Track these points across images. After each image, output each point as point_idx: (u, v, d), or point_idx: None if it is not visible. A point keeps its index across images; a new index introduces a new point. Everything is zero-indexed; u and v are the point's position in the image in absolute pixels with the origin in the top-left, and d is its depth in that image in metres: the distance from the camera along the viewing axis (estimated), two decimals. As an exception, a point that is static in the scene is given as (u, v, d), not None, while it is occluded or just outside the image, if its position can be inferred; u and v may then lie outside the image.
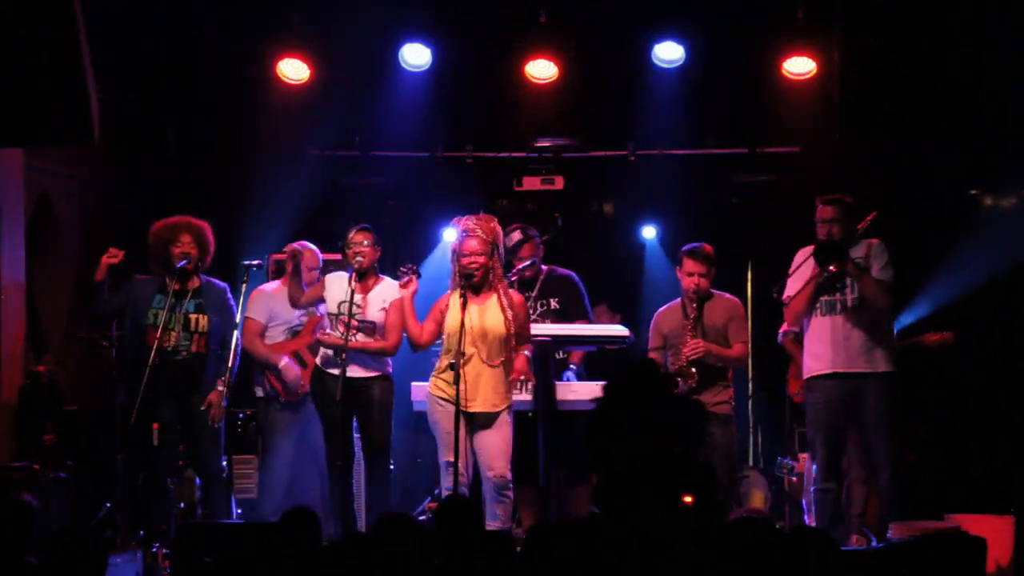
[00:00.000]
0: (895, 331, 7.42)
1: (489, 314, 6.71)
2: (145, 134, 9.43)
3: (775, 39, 8.82)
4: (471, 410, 6.68)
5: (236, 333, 7.08)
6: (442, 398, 6.70)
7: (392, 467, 7.33)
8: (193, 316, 7.11)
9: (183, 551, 5.96)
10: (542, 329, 7.30)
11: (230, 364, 6.93)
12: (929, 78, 8.59)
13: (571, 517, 6.96)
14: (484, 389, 6.66)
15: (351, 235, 7.15)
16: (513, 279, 7.73)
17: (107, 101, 6.52)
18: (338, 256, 7.65)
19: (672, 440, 3.18)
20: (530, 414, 7.09)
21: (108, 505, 7.44)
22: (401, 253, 9.04)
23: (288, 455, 7.59)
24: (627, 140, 9.62)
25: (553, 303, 7.71)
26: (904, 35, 8.59)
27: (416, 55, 8.97)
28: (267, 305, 7.68)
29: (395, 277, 7.10)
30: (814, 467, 7.17)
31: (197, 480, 7.56)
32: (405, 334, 6.98)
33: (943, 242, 8.60)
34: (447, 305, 6.83)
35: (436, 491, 8.13)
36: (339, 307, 6.99)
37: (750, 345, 7.94)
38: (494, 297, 6.76)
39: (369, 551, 4.00)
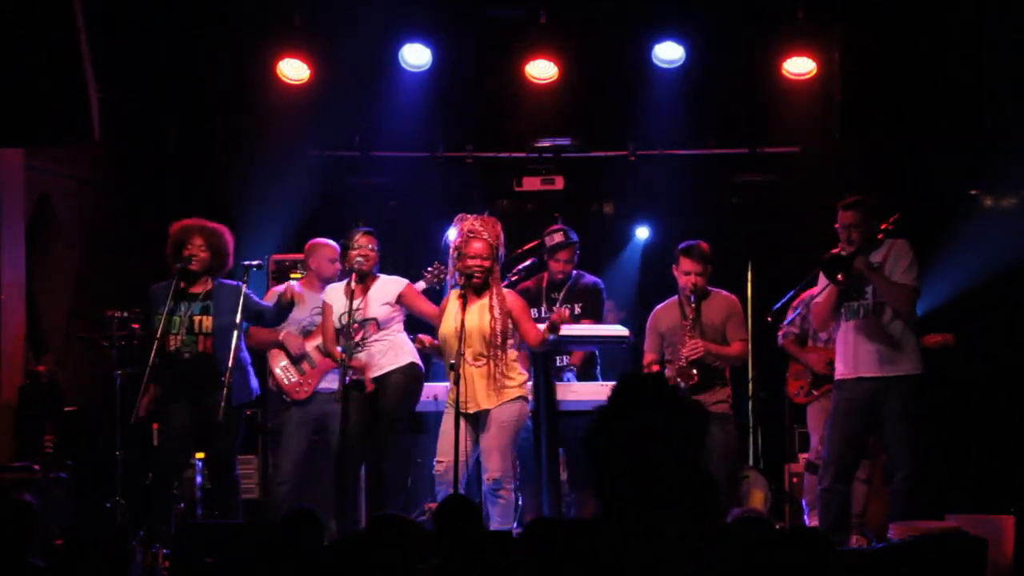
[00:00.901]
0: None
1: (473, 314, 6.68)
2: (145, 134, 9.43)
3: (775, 39, 8.82)
4: (470, 411, 6.69)
5: (236, 332, 7.04)
6: (449, 402, 6.73)
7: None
8: (197, 318, 7.08)
9: (183, 551, 5.97)
10: (541, 328, 7.30)
11: (230, 364, 6.91)
12: (929, 78, 8.59)
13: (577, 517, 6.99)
14: (478, 389, 6.67)
15: (356, 237, 7.16)
16: (513, 279, 7.75)
17: (107, 101, 6.51)
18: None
19: (675, 446, 3.18)
20: (529, 414, 7.09)
21: (108, 505, 7.43)
22: (401, 253, 9.06)
23: (296, 455, 7.56)
24: (627, 140, 9.62)
25: (577, 308, 7.77)
26: (904, 35, 8.59)
27: (416, 55, 8.97)
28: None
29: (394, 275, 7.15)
30: (811, 462, 7.17)
31: (198, 480, 7.56)
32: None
33: (943, 242, 8.60)
34: (446, 307, 6.83)
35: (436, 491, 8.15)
36: (340, 319, 7.01)
37: (750, 344, 7.95)
38: (487, 299, 6.75)
39: (369, 551, 4.00)
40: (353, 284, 7.12)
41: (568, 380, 7.68)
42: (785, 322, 7.77)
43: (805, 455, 8.13)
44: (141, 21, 8.60)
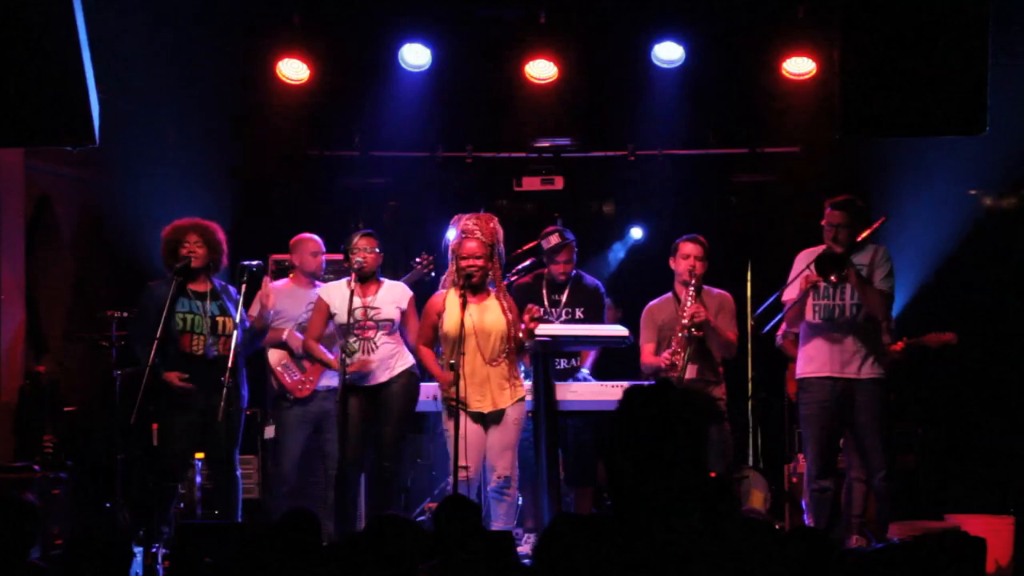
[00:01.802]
0: (895, 333, 7.43)
1: (489, 314, 6.72)
2: (145, 134, 9.43)
3: (775, 39, 8.82)
4: (483, 411, 6.69)
5: (236, 333, 7.04)
6: (453, 403, 6.71)
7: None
8: (220, 319, 7.08)
9: (183, 551, 5.97)
10: (542, 329, 7.30)
11: (230, 364, 6.91)
12: (929, 78, 8.58)
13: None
14: (492, 389, 6.69)
15: (355, 239, 7.15)
16: (513, 279, 7.75)
17: (107, 101, 6.50)
18: (339, 256, 7.67)
19: (685, 453, 3.19)
20: (529, 414, 7.09)
21: (108, 505, 7.44)
22: (401, 253, 9.06)
23: (296, 454, 7.57)
24: (627, 140, 9.62)
25: (578, 312, 7.77)
26: (904, 35, 8.58)
27: (416, 55, 8.97)
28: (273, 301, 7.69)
29: (394, 278, 7.13)
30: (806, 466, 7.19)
31: (198, 480, 7.56)
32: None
33: (943, 242, 8.60)
34: (443, 306, 6.82)
35: (436, 491, 8.15)
36: (349, 316, 6.98)
37: (749, 343, 7.96)
38: (492, 298, 6.77)
39: (368, 551, 4.00)
40: (353, 284, 7.10)
41: (584, 380, 7.71)
42: (770, 324, 7.75)
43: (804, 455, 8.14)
44: (140, 21, 8.59)
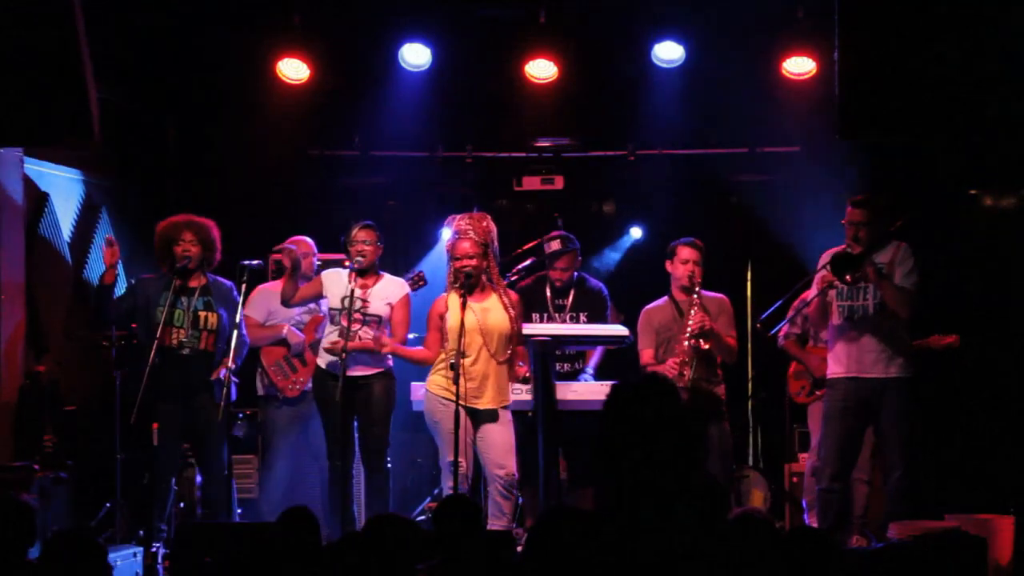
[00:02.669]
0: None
1: (492, 313, 6.73)
2: (145, 134, 9.43)
3: (775, 39, 8.82)
4: (478, 407, 6.69)
5: (236, 332, 7.07)
6: (444, 397, 6.70)
7: (389, 464, 7.32)
8: (202, 313, 7.11)
9: (183, 551, 5.97)
10: (542, 329, 7.31)
11: (230, 363, 6.91)
12: (929, 78, 8.57)
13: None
14: (492, 386, 6.70)
15: (354, 232, 7.16)
16: (512, 278, 7.76)
17: (107, 101, 6.50)
18: (339, 255, 7.67)
19: (671, 452, 3.19)
20: (529, 414, 7.09)
21: (108, 505, 7.44)
22: (401, 253, 9.06)
23: (288, 454, 7.59)
24: (627, 140, 9.62)
25: (582, 318, 7.78)
26: (904, 35, 8.57)
27: (416, 55, 8.97)
28: (265, 303, 7.71)
29: (395, 275, 7.14)
30: (816, 466, 7.17)
31: (198, 480, 7.56)
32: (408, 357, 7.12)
33: (943, 242, 8.60)
34: (446, 307, 6.83)
35: (436, 491, 8.14)
36: (342, 302, 6.99)
37: (749, 343, 7.95)
38: (494, 296, 6.78)
39: (368, 551, 4.00)
40: (353, 280, 7.10)
41: (585, 380, 7.72)
42: (778, 326, 7.74)
43: (805, 455, 8.13)
44: (141, 20, 8.59)
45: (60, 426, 7.63)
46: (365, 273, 7.14)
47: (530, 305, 7.58)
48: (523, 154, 9.77)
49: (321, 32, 8.89)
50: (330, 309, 7.13)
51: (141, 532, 7.13)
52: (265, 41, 8.93)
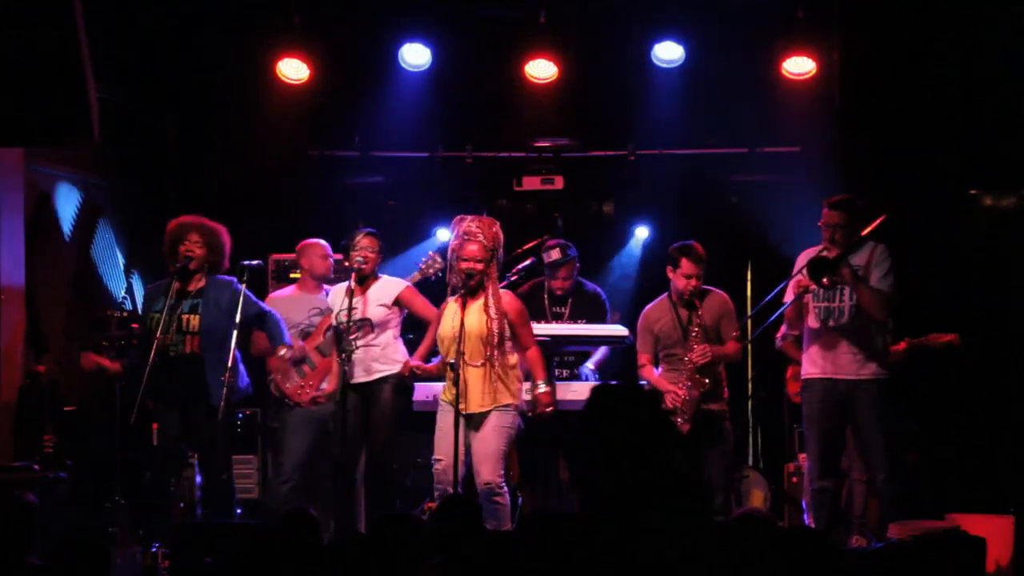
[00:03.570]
0: (895, 334, 7.40)
1: (471, 316, 6.65)
2: (145, 134, 9.43)
3: (775, 39, 8.82)
4: (467, 412, 6.66)
5: (235, 332, 7.00)
6: (444, 400, 6.70)
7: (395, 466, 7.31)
8: (186, 317, 7.02)
9: (183, 551, 5.96)
10: (541, 330, 7.30)
11: (229, 364, 6.89)
12: (929, 78, 8.59)
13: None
14: (472, 390, 6.61)
15: (358, 238, 7.16)
16: (512, 279, 7.75)
17: (107, 101, 6.50)
18: (338, 256, 7.67)
19: (650, 452, 3.20)
20: (529, 414, 7.08)
21: (108, 505, 7.43)
22: (400, 253, 9.06)
23: (298, 452, 7.54)
24: (627, 140, 9.62)
25: (580, 324, 7.76)
26: (904, 35, 8.59)
27: (416, 55, 8.97)
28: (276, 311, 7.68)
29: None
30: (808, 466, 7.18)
31: (197, 480, 7.55)
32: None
33: (943, 242, 8.60)
34: (443, 312, 6.80)
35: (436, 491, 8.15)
36: (337, 318, 7.03)
37: (749, 343, 7.95)
38: (481, 300, 6.72)
39: (369, 551, 4.00)
40: (352, 284, 7.13)
41: (586, 376, 7.71)
42: (757, 331, 7.72)
43: (805, 455, 8.14)
44: (141, 21, 8.60)
45: (60, 426, 7.63)
46: (365, 279, 7.15)
47: (528, 312, 7.57)
48: (523, 154, 9.77)
49: (321, 32, 8.90)
50: (334, 327, 7.14)
51: (141, 532, 7.13)
52: (265, 41, 8.94)
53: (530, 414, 6.89)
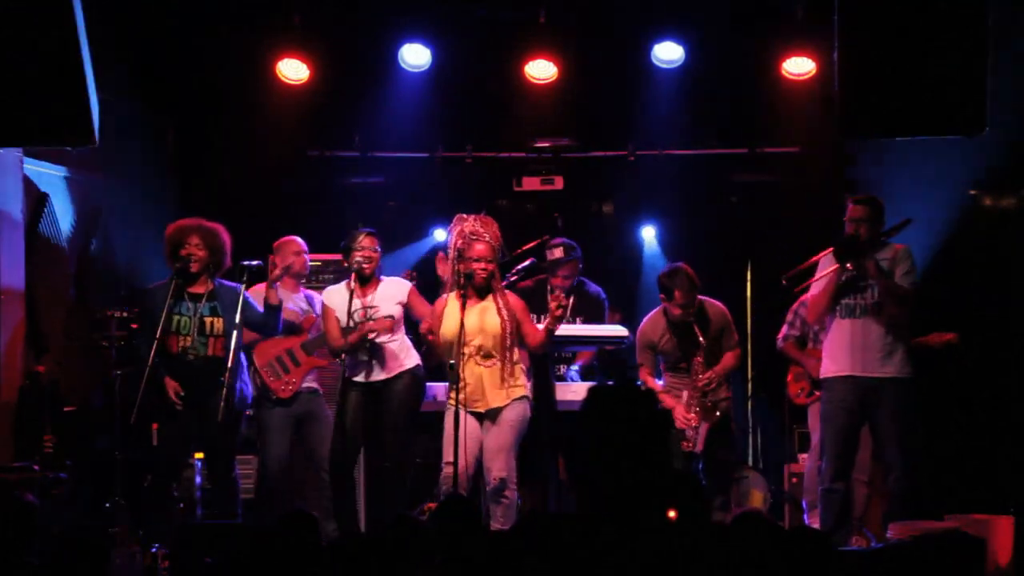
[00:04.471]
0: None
1: (489, 316, 6.70)
2: (145, 134, 9.43)
3: (775, 39, 8.82)
4: (479, 410, 6.68)
5: (235, 333, 7.04)
6: (453, 405, 6.71)
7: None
8: (208, 320, 7.06)
9: (183, 551, 5.96)
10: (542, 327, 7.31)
11: (230, 364, 6.91)
12: (929, 78, 8.57)
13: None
14: (487, 389, 6.67)
15: (359, 239, 7.17)
16: (512, 278, 7.75)
17: (107, 101, 6.50)
18: (337, 256, 7.67)
19: (645, 453, 3.20)
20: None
21: (108, 505, 7.43)
22: (400, 253, 9.07)
23: (280, 453, 7.55)
24: (627, 140, 9.62)
25: (579, 322, 7.84)
26: (902, 35, 8.57)
27: (416, 55, 8.97)
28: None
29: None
30: (820, 466, 7.17)
31: (197, 480, 7.54)
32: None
33: (943, 242, 8.60)
34: (442, 311, 6.80)
35: (436, 491, 8.14)
36: (352, 316, 7.02)
37: (749, 343, 7.96)
38: (491, 299, 6.75)
39: (369, 551, 4.00)
40: (353, 284, 7.13)
41: (571, 378, 7.71)
42: (786, 325, 7.74)
43: (805, 455, 8.14)
44: (141, 21, 8.59)
45: (60, 426, 7.62)
46: (366, 280, 7.15)
47: (530, 307, 7.58)
48: (523, 154, 9.77)
49: (321, 32, 8.90)
50: (341, 328, 7.13)
51: (141, 532, 7.13)
52: (265, 41, 8.94)
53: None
